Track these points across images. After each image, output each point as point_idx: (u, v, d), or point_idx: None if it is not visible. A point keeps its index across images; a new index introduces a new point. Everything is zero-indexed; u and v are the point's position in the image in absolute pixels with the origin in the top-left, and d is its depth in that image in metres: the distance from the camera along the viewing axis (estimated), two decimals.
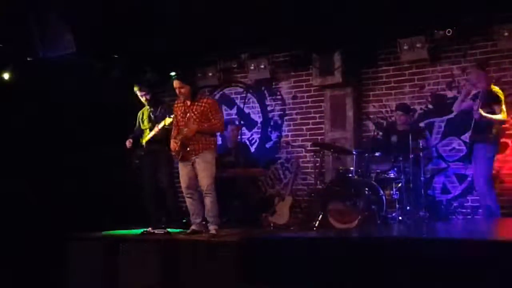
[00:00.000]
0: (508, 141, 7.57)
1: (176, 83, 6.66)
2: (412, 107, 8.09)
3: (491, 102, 6.76)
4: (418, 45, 7.76)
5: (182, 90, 6.62)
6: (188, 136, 6.52)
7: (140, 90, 7.59)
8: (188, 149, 6.55)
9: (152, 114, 7.51)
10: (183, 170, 6.65)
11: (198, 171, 6.59)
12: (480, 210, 7.35)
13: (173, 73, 9.06)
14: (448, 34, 7.61)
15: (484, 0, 7.12)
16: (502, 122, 6.80)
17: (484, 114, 6.72)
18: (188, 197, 6.67)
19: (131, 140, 7.58)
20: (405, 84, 8.24)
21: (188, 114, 6.60)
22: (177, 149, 6.58)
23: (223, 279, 5.66)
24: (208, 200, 6.59)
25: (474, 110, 6.82)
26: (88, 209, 8.08)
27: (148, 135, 7.42)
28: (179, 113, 6.70)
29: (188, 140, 6.54)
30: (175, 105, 6.80)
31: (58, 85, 8.33)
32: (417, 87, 8.13)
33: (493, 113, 6.73)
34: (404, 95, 8.21)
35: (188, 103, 6.66)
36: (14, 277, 7.21)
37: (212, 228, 6.56)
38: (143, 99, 7.63)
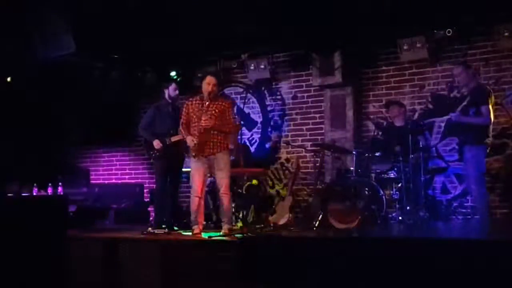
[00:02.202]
0: (508, 141, 7.58)
1: (212, 80, 6.59)
2: (412, 107, 8.10)
3: (478, 102, 6.73)
4: (418, 45, 7.77)
5: (215, 88, 6.62)
6: (205, 127, 6.50)
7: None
8: (206, 146, 6.54)
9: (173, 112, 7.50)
10: (199, 170, 6.59)
11: (217, 172, 6.59)
12: (469, 210, 7.36)
13: (173, 73, 9.09)
14: (448, 34, 7.62)
15: (484, 0, 7.12)
16: (482, 124, 6.71)
17: (461, 117, 6.72)
18: (197, 198, 6.61)
19: (159, 142, 7.34)
20: (405, 84, 8.25)
21: (208, 113, 6.53)
22: (195, 143, 6.53)
23: (223, 279, 5.66)
24: (226, 200, 6.57)
25: (451, 113, 6.84)
26: (88, 209, 8.09)
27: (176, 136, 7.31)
28: (193, 111, 6.61)
29: (206, 136, 6.55)
30: (189, 103, 6.66)
31: (58, 85, 8.35)
32: (417, 87, 8.13)
33: (479, 113, 6.68)
34: (404, 95, 8.22)
35: (207, 102, 6.62)
36: (14, 277, 7.20)
37: (225, 228, 6.54)
38: (176, 92, 7.58)
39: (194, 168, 6.62)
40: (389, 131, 7.87)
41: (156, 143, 7.27)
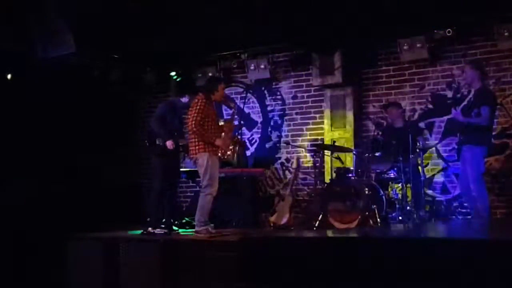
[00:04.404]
0: (508, 141, 7.57)
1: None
2: (412, 107, 8.09)
3: (480, 103, 6.71)
4: (418, 45, 7.77)
5: None
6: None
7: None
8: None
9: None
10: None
11: None
12: (469, 210, 7.33)
13: (173, 73, 9.09)
14: (448, 34, 7.62)
15: (484, 0, 7.12)
16: (480, 125, 6.68)
17: (461, 116, 6.72)
18: (213, 198, 6.69)
19: (172, 143, 7.28)
20: (405, 84, 8.25)
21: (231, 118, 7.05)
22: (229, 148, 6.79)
23: (223, 279, 5.66)
24: None
25: (453, 110, 6.83)
26: (88, 209, 8.08)
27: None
28: (211, 112, 6.76)
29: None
30: (204, 102, 6.71)
31: (58, 85, 8.33)
32: (417, 87, 8.13)
33: (479, 114, 6.67)
34: (404, 95, 8.21)
35: (213, 106, 6.85)
36: (15, 277, 7.21)
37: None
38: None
39: (216, 168, 6.67)
40: (388, 132, 7.86)
41: (170, 144, 7.22)
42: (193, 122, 6.56)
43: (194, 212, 6.85)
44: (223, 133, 6.77)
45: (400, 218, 7.08)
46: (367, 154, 7.49)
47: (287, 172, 8.91)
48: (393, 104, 7.91)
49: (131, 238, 6.82)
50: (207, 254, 5.95)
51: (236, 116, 7.26)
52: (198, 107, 6.62)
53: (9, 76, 8.17)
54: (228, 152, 6.75)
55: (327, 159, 8.26)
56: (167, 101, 7.75)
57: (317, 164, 8.09)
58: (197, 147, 6.64)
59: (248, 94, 9.30)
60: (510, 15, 7.25)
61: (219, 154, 6.68)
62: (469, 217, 7.47)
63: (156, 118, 7.35)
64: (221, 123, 6.98)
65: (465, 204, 7.50)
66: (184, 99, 7.50)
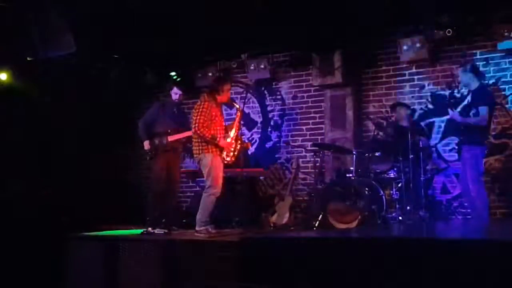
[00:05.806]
0: (508, 141, 7.57)
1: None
2: (412, 107, 8.10)
3: (478, 103, 6.72)
4: (418, 45, 7.77)
5: None
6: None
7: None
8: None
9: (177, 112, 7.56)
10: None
11: None
12: (469, 210, 7.33)
13: (173, 73, 9.09)
14: (448, 34, 7.62)
15: (484, 0, 7.12)
16: (479, 125, 6.67)
17: (459, 117, 6.71)
18: (216, 198, 6.70)
19: (148, 144, 7.39)
20: (405, 84, 8.26)
21: (236, 120, 7.08)
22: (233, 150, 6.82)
23: (223, 279, 5.66)
24: None
25: (450, 110, 6.83)
26: (88, 209, 8.09)
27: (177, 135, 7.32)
28: (215, 113, 6.74)
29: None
30: (208, 104, 6.71)
31: (58, 85, 8.34)
32: (417, 87, 8.13)
33: (478, 114, 6.67)
34: (404, 95, 8.22)
35: (218, 106, 6.87)
36: (15, 277, 7.21)
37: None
38: (176, 96, 7.58)
39: (220, 169, 6.67)
40: (394, 130, 7.78)
41: (146, 144, 7.35)
42: (196, 124, 6.57)
43: (194, 212, 6.85)
44: (229, 133, 6.80)
45: (400, 218, 7.08)
46: (367, 154, 7.49)
47: (287, 172, 8.91)
48: (402, 104, 7.87)
49: (131, 238, 6.82)
50: (207, 254, 5.95)
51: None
52: (200, 109, 6.63)
53: (4, 77, 8.17)
54: (232, 154, 6.76)
55: (327, 159, 8.27)
56: (157, 104, 7.77)
57: (317, 164, 8.09)
58: (201, 147, 6.65)
59: (248, 94, 9.30)
60: (510, 15, 7.25)
61: (223, 155, 6.69)
62: (469, 217, 7.46)
63: (143, 121, 7.46)
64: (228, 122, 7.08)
65: (465, 204, 7.49)
66: (173, 95, 7.53)
